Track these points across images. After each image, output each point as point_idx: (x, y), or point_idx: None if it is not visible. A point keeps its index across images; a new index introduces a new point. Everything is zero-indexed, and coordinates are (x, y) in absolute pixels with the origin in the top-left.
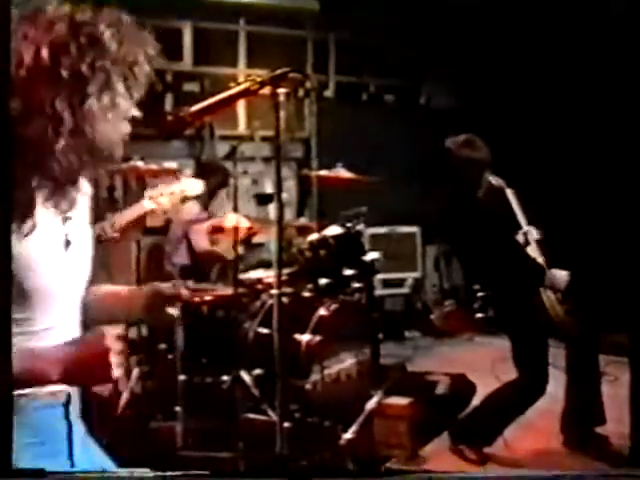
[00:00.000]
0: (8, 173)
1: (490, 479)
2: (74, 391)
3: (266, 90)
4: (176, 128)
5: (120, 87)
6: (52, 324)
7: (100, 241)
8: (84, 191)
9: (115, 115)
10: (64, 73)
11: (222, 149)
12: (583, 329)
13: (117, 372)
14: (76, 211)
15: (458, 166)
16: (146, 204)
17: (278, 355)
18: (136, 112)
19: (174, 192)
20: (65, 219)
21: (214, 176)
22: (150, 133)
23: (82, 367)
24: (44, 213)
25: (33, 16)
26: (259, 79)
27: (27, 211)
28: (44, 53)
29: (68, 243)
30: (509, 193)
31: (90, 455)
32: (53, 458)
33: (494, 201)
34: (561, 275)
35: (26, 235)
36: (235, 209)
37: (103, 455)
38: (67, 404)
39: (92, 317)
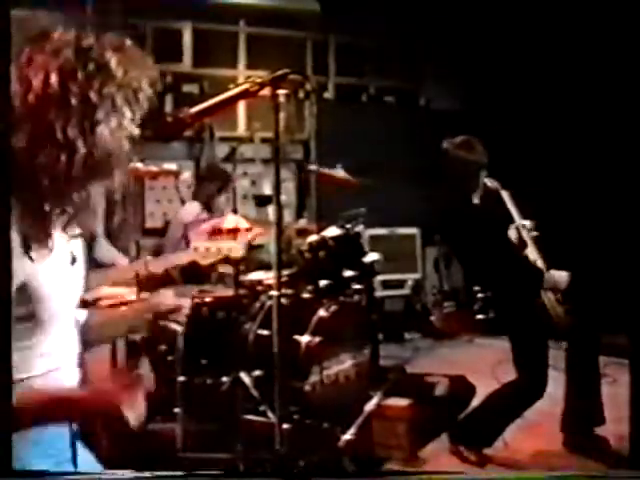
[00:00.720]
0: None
1: None
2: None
3: (266, 91)
4: (175, 129)
5: (126, 111)
6: (50, 349)
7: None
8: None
9: (121, 135)
10: (73, 100)
11: (222, 150)
12: (584, 330)
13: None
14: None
15: (454, 167)
16: (190, 254)
17: (277, 356)
18: (136, 131)
19: (221, 249)
20: (70, 237)
21: (214, 181)
22: (149, 134)
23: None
24: (56, 238)
25: (38, 39)
26: (259, 80)
27: (44, 239)
28: (53, 79)
29: (74, 260)
30: (504, 195)
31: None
32: (53, 458)
33: (490, 203)
34: (561, 275)
35: (40, 262)
36: (234, 210)
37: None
38: None
39: (92, 337)
